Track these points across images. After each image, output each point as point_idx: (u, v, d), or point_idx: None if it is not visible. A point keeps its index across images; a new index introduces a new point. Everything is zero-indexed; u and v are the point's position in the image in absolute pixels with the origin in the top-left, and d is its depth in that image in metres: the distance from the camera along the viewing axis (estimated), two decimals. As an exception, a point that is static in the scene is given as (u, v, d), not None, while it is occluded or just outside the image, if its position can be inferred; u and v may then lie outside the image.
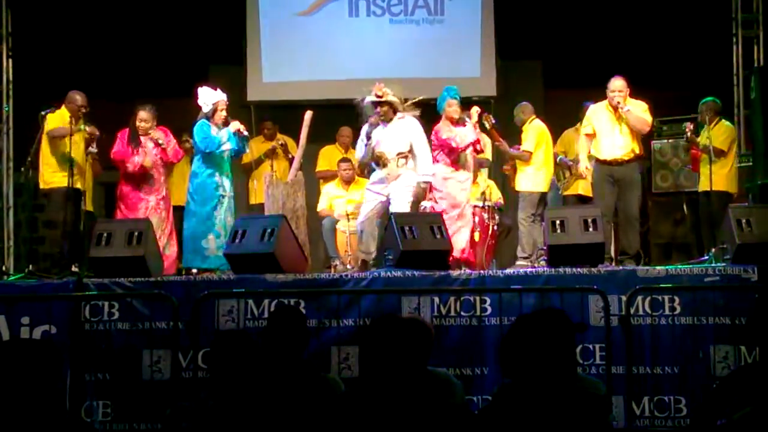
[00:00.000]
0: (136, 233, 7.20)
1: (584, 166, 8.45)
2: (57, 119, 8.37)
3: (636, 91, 8.46)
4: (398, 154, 8.20)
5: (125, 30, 11.13)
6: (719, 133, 8.81)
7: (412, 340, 3.44)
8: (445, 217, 7.98)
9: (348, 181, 9.86)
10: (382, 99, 8.19)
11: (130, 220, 8.00)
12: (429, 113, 8.64)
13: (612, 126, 8.33)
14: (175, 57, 11.11)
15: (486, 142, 9.36)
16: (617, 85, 8.31)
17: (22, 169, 8.74)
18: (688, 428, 6.28)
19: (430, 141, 8.44)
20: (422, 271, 6.91)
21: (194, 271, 8.00)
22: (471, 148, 8.57)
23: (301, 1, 11.51)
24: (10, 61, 10.10)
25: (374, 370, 3.40)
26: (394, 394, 3.30)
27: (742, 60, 10.03)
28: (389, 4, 11.48)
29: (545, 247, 7.78)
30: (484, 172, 9.76)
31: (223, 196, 8.30)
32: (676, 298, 6.56)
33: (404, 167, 8.21)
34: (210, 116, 8.36)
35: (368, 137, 8.22)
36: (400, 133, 8.22)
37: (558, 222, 7.35)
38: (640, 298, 6.52)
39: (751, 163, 9.05)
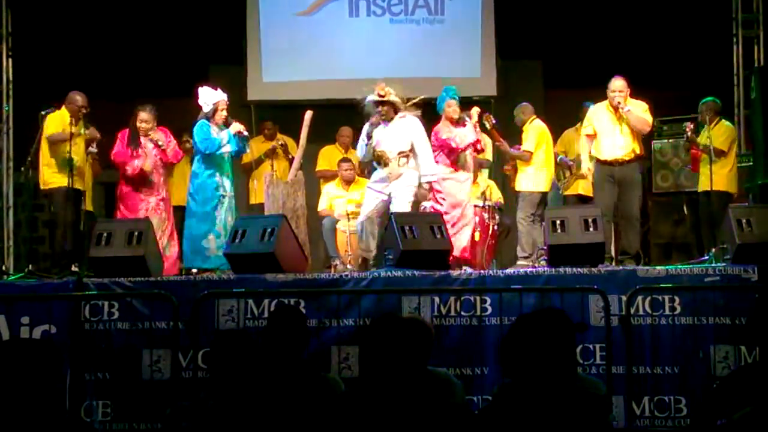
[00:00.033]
0: (136, 233, 7.20)
1: (586, 167, 8.45)
2: (57, 119, 8.36)
3: (636, 91, 8.46)
4: (399, 154, 8.20)
5: (125, 30, 11.13)
6: (719, 133, 8.81)
7: (412, 340, 3.44)
8: (446, 217, 7.98)
9: (348, 181, 9.86)
10: (384, 99, 8.19)
11: (130, 220, 8.00)
12: (429, 113, 8.64)
13: (613, 126, 8.33)
14: (175, 57, 11.11)
15: (487, 142, 9.36)
16: (618, 85, 8.31)
17: (22, 168, 8.74)
18: (688, 428, 6.28)
19: (429, 141, 8.43)
20: (422, 271, 6.91)
21: (194, 270, 7.99)
22: (471, 149, 8.57)
23: (301, 1, 11.51)
24: (10, 61, 10.09)
25: (374, 370, 3.40)
26: (394, 394, 3.30)
27: (743, 60, 10.02)
28: (389, 3, 11.48)
29: (545, 247, 7.78)
30: (485, 172, 9.76)
31: (224, 196, 8.30)
32: (677, 298, 6.56)
33: (405, 166, 8.21)
34: (210, 116, 8.36)
35: (369, 137, 8.22)
36: (402, 132, 8.22)
37: (558, 222, 7.35)
38: (640, 298, 6.52)
39: (751, 163, 9.05)
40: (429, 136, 8.43)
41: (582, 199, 9.49)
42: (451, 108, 8.53)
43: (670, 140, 10.05)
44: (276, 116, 10.70)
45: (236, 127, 8.38)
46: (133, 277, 6.90)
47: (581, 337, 6.20)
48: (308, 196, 8.95)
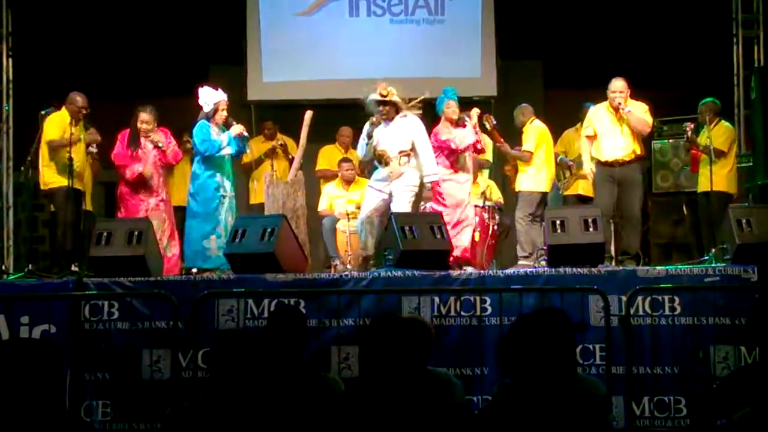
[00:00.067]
0: (136, 233, 7.20)
1: (588, 168, 8.42)
2: (57, 121, 8.35)
3: (636, 91, 8.46)
4: (400, 153, 8.19)
5: (125, 30, 11.13)
6: (719, 134, 8.81)
7: (412, 340, 3.44)
8: (446, 218, 7.97)
9: (348, 181, 9.86)
10: (386, 99, 8.19)
11: (130, 219, 8.00)
12: (429, 113, 8.64)
13: (613, 127, 8.32)
14: (175, 57, 11.11)
15: (487, 142, 9.36)
16: (618, 85, 8.30)
17: (22, 168, 8.75)
18: (688, 428, 6.28)
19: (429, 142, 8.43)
20: (422, 271, 6.91)
21: (194, 270, 7.99)
22: (471, 150, 8.57)
23: (301, 1, 11.51)
24: (10, 60, 10.09)
25: (374, 370, 3.40)
26: (394, 394, 3.30)
27: (743, 60, 10.02)
28: (389, 4, 11.47)
29: (545, 247, 7.78)
30: (485, 172, 9.76)
31: (224, 197, 8.30)
32: (676, 299, 6.56)
33: (407, 165, 8.20)
34: (211, 116, 8.36)
35: (369, 136, 8.22)
36: (402, 131, 8.22)
37: (558, 222, 7.35)
38: (640, 298, 6.52)
39: (751, 163, 9.05)
40: (429, 136, 8.42)
41: (582, 199, 9.49)
42: (450, 109, 8.53)
43: (670, 140, 10.04)
44: (276, 116, 10.70)
45: (237, 129, 8.38)
46: (133, 276, 6.90)
47: (581, 337, 6.20)
48: (308, 196, 8.95)
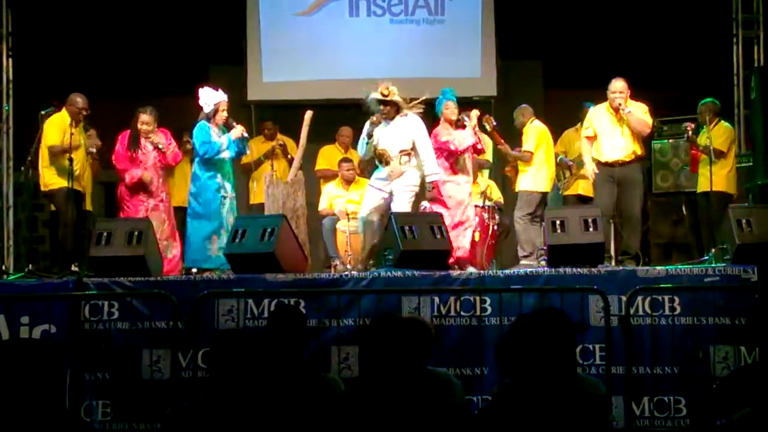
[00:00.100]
0: (136, 233, 7.20)
1: (591, 169, 8.38)
2: (57, 122, 8.35)
3: (636, 91, 8.45)
4: (401, 152, 8.19)
5: (125, 30, 11.13)
6: (719, 134, 8.81)
7: (412, 340, 3.44)
8: (447, 219, 7.96)
9: (349, 181, 9.86)
10: (387, 98, 8.18)
11: (130, 219, 8.00)
12: (429, 114, 8.63)
13: (613, 128, 8.32)
14: (175, 57, 11.11)
15: (487, 142, 9.37)
16: (618, 86, 8.29)
17: (22, 168, 8.75)
18: (688, 428, 6.28)
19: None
20: (422, 271, 6.91)
21: (194, 270, 7.99)
22: (470, 152, 8.55)
23: (301, 1, 11.51)
24: (10, 60, 10.09)
25: (374, 370, 3.40)
26: (394, 394, 3.30)
27: (743, 60, 10.02)
28: (390, 4, 11.47)
29: (545, 248, 7.78)
30: (485, 172, 9.76)
31: (225, 198, 8.30)
32: (676, 299, 6.56)
33: (407, 165, 8.20)
34: (211, 117, 8.35)
35: (369, 136, 8.21)
36: (403, 130, 8.21)
37: (558, 222, 7.35)
38: (640, 298, 6.52)
39: (750, 164, 9.05)
40: (429, 137, 8.41)
41: (582, 199, 9.49)
42: (449, 110, 8.52)
43: (670, 140, 10.04)
44: (276, 116, 10.70)
45: (237, 132, 8.35)
46: (133, 276, 6.90)
47: (581, 338, 6.20)
48: (308, 195, 8.95)
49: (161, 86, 10.63)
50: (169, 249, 8.27)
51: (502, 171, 10.00)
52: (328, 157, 10.33)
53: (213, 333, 6.19)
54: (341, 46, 11.44)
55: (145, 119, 8.44)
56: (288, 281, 6.83)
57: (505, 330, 3.61)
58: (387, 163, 8.20)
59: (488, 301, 6.58)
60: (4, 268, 8.71)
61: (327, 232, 9.42)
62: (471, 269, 7.91)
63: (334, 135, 10.44)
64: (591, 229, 7.30)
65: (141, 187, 8.37)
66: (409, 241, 7.21)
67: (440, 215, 7.91)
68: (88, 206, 8.61)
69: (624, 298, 6.27)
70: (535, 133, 9.23)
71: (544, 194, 9.21)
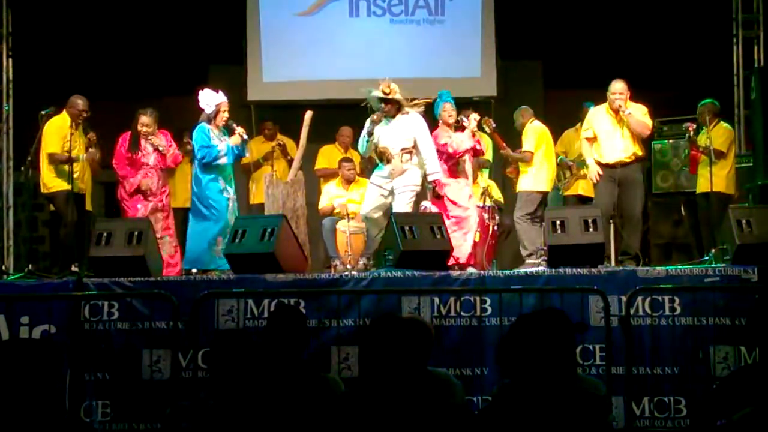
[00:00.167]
0: (136, 233, 7.20)
1: (595, 171, 8.33)
2: (58, 125, 8.34)
3: (636, 92, 8.45)
4: (402, 150, 8.18)
5: (125, 30, 11.14)
6: (718, 135, 8.81)
7: (412, 340, 3.44)
8: (448, 221, 7.95)
9: (349, 181, 9.85)
10: (389, 96, 8.18)
11: (130, 219, 8.01)
12: (430, 114, 8.63)
13: (613, 129, 8.31)
14: (175, 57, 11.12)
15: (487, 142, 9.36)
16: (618, 87, 8.28)
17: (22, 168, 8.74)
18: (688, 429, 6.28)
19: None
20: (422, 271, 6.91)
21: (194, 270, 7.99)
22: (469, 154, 8.53)
23: (302, 1, 11.51)
24: (10, 60, 10.09)
25: (374, 370, 3.40)
26: (394, 394, 3.29)
27: (743, 60, 10.02)
28: (390, 4, 11.48)
29: (545, 248, 7.78)
30: (485, 172, 9.75)
31: (228, 199, 8.30)
32: (676, 299, 6.56)
33: (409, 163, 8.19)
34: (212, 118, 8.33)
35: (370, 134, 8.21)
36: (404, 129, 8.20)
37: (558, 222, 7.35)
38: (640, 298, 6.51)
39: (751, 164, 9.04)
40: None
41: (582, 200, 9.49)
42: (446, 112, 8.51)
43: (670, 141, 10.04)
44: (276, 116, 10.70)
45: (236, 139, 8.32)
46: (133, 277, 6.90)
47: (581, 338, 6.19)
48: (308, 195, 8.95)
49: (161, 86, 10.64)
50: (168, 247, 8.25)
51: (504, 172, 10.00)
52: (328, 156, 10.33)
53: (213, 333, 6.19)
54: (341, 47, 11.45)
55: (146, 121, 8.43)
56: (288, 281, 6.83)
57: (505, 330, 3.61)
58: (388, 161, 8.19)
59: (488, 301, 6.58)
60: (4, 268, 8.71)
61: (327, 232, 9.42)
62: (471, 269, 7.91)
63: (334, 135, 10.43)
64: (591, 230, 7.30)
65: (140, 191, 8.39)
66: (409, 241, 7.21)
67: (440, 215, 7.90)
68: (88, 206, 8.61)
69: (624, 299, 6.27)
70: (534, 133, 9.22)
71: (545, 194, 9.20)
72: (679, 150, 9.88)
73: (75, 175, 8.12)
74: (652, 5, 11.12)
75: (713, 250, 7.72)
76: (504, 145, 9.35)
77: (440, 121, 8.54)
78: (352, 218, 8.95)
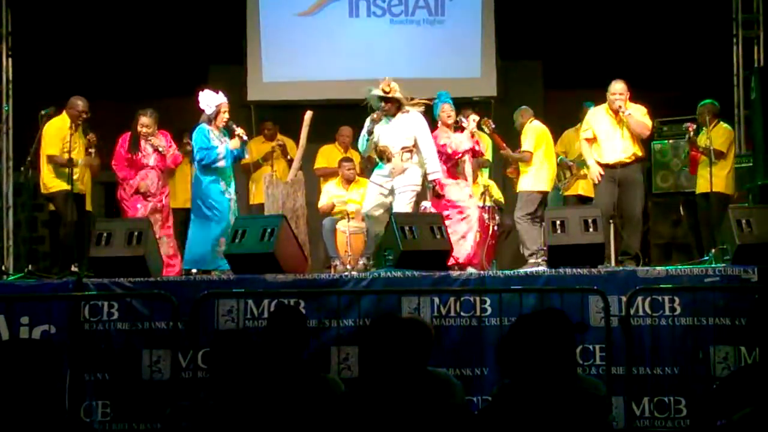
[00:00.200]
0: (136, 233, 7.19)
1: (597, 172, 8.30)
2: (58, 126, 8.34)
3: (636, 92, 8.45)
4: (402, 149, 8.17)
5: (125, 30, 11.14)
6: (718, 135, 8.80)
7: (412, 340, 3.44)
8: (448, 222, 7.95)
9: (349, 180, 9.86)
10: (389, 95, 8.18)
11: (130, 219, 8.01)
12: (430, 115, 8.63)
13: (613, 130, 8.30)
14: (175, 57, 11.12)
15: (487, 142, 9.36)
16: (618, 88, 8.27)
17: (22, 168, 8.74)
18: (688, 429, 6.27)
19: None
20: (422, 271, 6.91)
21: (194, 271, 7.99)
22: (468, 155, 8.52)
23: (302, 1, 11.52)
24: (10, 60, 10.09)
25: (374, 370, 3.40)
26: (394, 394, 3.29)
27: (743, 60, 10.03)
28: (390, 4, 11.48)
29: (545, 248, 7.77)
30: (485, 172, 9.75)
31: (229, 200, 8.30)
32: (676, 299, 6.55)
33: (409, 161, 8.18)
34: (213, 119, 8.32)
35: (370, 133, 8.21)
36: (405, 127, 8.20)
37: (558, 222, 7.35)
38: (640, 298, 6.51)
39: (751, 164, 9.04)
40: (430, 136, 8.41)
41: (582, 200, 9.48)
42: (445, 113, 8.50)
43: (670, 141, 10.03)
44: (276, 116, 10.70)
45: (235, 143, 8.31)
46: (132, 277, 6.89)
47: (581, 338, 6.19)
48: (308, 196, 8.95)
49: (161, 87, 10.63)
50: (166, 247, 8.25)
51: (505, 172, 10.00)
52: (328, 156, 10.34)
53: (213, 333, 6.18)
54: (341, 47, 11.45)
55: (145, 122, 8.43)
56: (288, 281, 6.82)
57: (505, 330, 3.61)
58: (388, 160, 8.18)
59: (488, 301, 6.58)
60: (4, 268, 8.71)
61: (327, 232, 9.42)
62: (471, 269, 7.91)
63: (334, 135, 10.43)
64: (591, 230, 7.29)
65: (139, 192, 8.40)
66: (409, 241, 7.20)
67: (440, 215, 7.90)
68: (88, 206, 8.62)
69: (624, 299, 6.27)
70: (533, 132, 9.21)
71: (545, 194, 9.19)
72: (679, 150, 9.88)
73: (75, 177, 8.13)
74: (652, 5, 11.12)
75: (713, 250, 7.71)
76: (504, 145, 9.35)
77: (439, 122, 8.54)
78: (352, 218, 8.94)
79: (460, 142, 8.44)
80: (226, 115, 8.37)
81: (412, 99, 8.32)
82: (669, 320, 6.54)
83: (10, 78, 10.04)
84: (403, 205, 8.10)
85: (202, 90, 8.45)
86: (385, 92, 8.17)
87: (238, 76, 11.31)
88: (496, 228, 9.14)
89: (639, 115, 8.31)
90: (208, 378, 4.93)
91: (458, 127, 8.57)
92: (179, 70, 10.91)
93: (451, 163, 8.42)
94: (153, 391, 6.45)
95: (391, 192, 8.18)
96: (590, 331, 6.09)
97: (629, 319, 6.08)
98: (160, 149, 8.45)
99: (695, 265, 7.33)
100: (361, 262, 8.34)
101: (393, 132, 8.19)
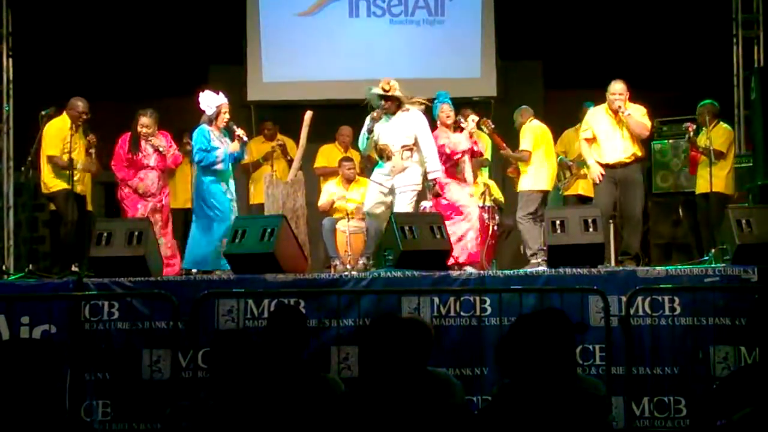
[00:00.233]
0: (136, 233, 7.20)
1: (597, 172, 8.29)
2: (58, 126, 8.35)
3: (636, 92, 8.45)
4: (403, 147, 8.17)
5: (125, 30, 11.14)
6: (718, 135, 8.81)
7: (412, 340, 3.44)
8: (448, 222, 7.95)
9: (349, 180, 9.86)
10: (388, 93, 8.17)
11: (130, 219, 8.01)
12: (429, 114, 8.62)
13: (613, 130, 8.30)
14: (175, 57, 11.12)
15: (487, 142, 9.35)
16: (617, 88, 8.27)
17: (22, 168, 8.76)
18: (688, 429, 6.28)
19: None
20: (422, 271, 6.91)
21: (194, 270, 7.99)
22: (467, 156, 8.52)
23: (302, 1, 11.52)
24: (10, 60, 10.10)
25: (374, 370, 3.40)
26: (394, 394, 3.30)
27: (743, 60, 10.03)
28: (389, 4, 11.48)
29: (545, 248, 7.78)
30: (485, 171, 9.75)
31: (230, 200, 8.30)
32: (676, 299, 6.55)
33: (409, 160, 8.18)
34: (213, 119, 8.31)
35: (370, 131, 8.20)
36: (405, 126, 8.19)
37: (558, 222, 7.35)
38: (640, 298, 6.51)
39: (750, 164, 9.04)
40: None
41: (582, 199, 9.48)
42: (444, 113, 8.50)
43: (670, 141, 10.04)
44: (276, 116, 10.70)
45: (234, 146, 8.29)
46: (133, 277, 6.90)
47: (581, 338, 6.20)
48: (308, 196, 8.95)
49: (161, 87, 10.63)
50: (163, 248, 8.25)
51: (505, 172, 10.00)
52: (328, 155, 10.34)
53: (213, 333, 6.18)
54: (341, 47, 11.45)
55: (145, 122, 8.44)
56: (288, 281, 6.83)
57: (505, 330, 3.61)
58: (389, 159, 8.18)
59: (488, 301, 6.58)
60: (4, 268, 8.71)
61: (327, 232, 9.42)
62: (470, 269, 7.91)
63: (334, 135, 10.44)
64: (591, 230, 7.30)
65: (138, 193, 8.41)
66: (409, 241, 7.20)
67: (440, 215, 7.90)
68: (89, 206, 8.62)
69: (624, 299, 6.27)
70: (531, 132, 9.20)
71: (545, 193, 9.19)
72: (679, 150, 9.88)
73: (75, 178, 8.14)
74: (652, 5, 11.12)
75: (713, 250, 7.72)
76: (503, 145, 9.34)
77: (438, 123, 8.54)
78: (352, 217, 8.94)
79: (458, 142, 8.44)
80: (227, 116, 8.36)
81: (411, 98, 8.32)
82: (669, 320, 6.54)
83: (11, 78, 10.04)
84: (404, 205, 8.10)
85: (202, 90, 8.44)
86: (384, 90, 8.16)
87: (238, 76, 11.31)
88: (496, 228, 9.14)
89: (638, 116, 8.31)
90: (208, 378, 4.93)
91: (458, 128, 8.57)
92: (179, 70, 10.91)
93: (451, 164, 8.42)
94: (153, 390, 6.45)
95: (392, 191, 8.17)
96: (590, 331, 6.09)
97: (629, 319, 6.09)
98: (161, 149, 8.45)
99: (695, 265, 7.33)
100: (361, 262, 8.34)
101: (393, 130, 8.19)
